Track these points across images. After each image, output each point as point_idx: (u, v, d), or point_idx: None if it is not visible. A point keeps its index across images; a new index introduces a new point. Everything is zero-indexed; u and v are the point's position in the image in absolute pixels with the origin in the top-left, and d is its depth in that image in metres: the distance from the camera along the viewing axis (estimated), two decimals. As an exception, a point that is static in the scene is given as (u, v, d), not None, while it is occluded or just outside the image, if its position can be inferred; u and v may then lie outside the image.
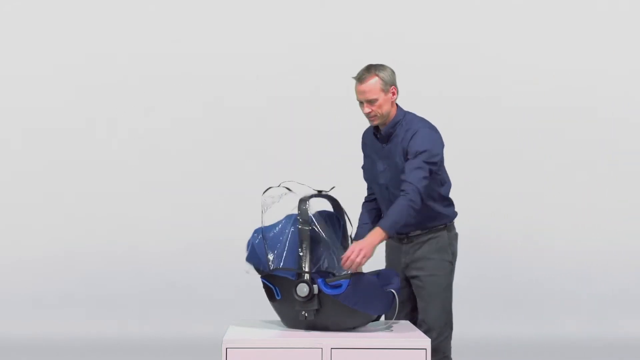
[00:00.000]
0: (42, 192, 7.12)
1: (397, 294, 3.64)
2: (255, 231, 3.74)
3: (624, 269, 7.15)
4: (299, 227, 3.58)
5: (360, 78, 3.79)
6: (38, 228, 7.09)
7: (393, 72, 3.86)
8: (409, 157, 3.73)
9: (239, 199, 7.07)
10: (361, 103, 3.83)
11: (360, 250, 3.53)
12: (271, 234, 3.68)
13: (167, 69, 7.17)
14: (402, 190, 3.66)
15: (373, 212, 4.06)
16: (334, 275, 3.68)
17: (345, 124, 7.04)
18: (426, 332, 3.83)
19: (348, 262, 3.53)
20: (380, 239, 3.61)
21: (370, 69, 3.80)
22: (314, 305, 3.53)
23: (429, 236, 3.90)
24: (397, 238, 3.96)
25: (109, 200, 7.11)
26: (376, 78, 3.78)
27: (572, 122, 7.21)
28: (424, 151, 3.71)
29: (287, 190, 3.76)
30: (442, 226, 3.92)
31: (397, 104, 3.89)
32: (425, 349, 3.43)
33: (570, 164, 7.22)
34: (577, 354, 6.55)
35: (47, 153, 7.15)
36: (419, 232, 3.89)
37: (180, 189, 7.15)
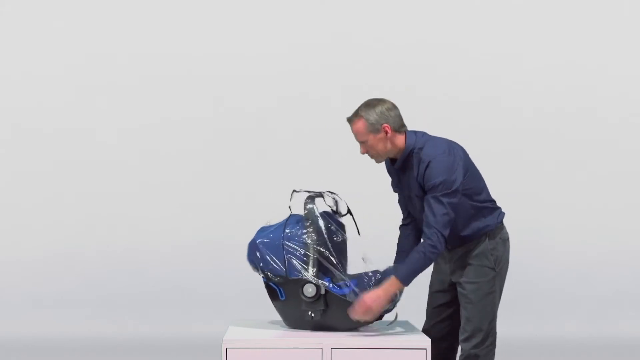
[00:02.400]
0: (42, 192, 7.12)
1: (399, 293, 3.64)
2: (262, 230, 3.71)
3: (624, 269, 7.15)
4: (307, 226, 3.57)
5: (349, 120, 3.71)
6: (38, 228, 7.09)
7: (387, 109, 3.68)
8: (427, 191, 3.62)
9: (239, 199, 7.07)
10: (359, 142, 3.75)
11: (367, 310, 3.51)
12: (284, 234, 3.65)
13: (167, 69, 7.17)
14: (424, 233, 3.58)
15: (410, 237, 3.91)
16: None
17: (345, 124, 7.04)
18: (467, 339, 3.76)
19: (354, 315, 3.51)
20: (395, 289, 3.55)
21: (358, 111, 3.68)
22: (321, 305, 3.53)
23: (470, 243, 3.79)
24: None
25: (109, 200, 7.11)
26: (361, 121, 3.65)
27: (572, 122, 7.21)
28: (440, 184, 3.58)
29: (312, 193, 3.73)
30: (483, 233, 3.79)
31: (406, 132, 3.72)
32: (425, 349, 3.43)
33: (570, 164, 7.22)
34: (577, 354, 6.55)
35: (47, 153, 7.14)
36: (460, 242, 3.78)
37: (180, 189, 7.14)
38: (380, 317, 3.69)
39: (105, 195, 7.12)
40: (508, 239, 3.88)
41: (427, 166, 3.62)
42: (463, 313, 3.78)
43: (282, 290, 3.58)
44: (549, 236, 7.16)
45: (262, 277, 3.64)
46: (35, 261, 7.06)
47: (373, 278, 3.62)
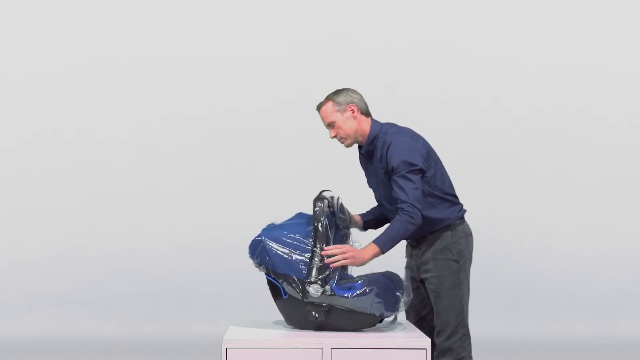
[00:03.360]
0: (42, 192, 7.12)
1: (402, 295, 3.65)
2: (270, 227, 3.71)
3: (624, 269, 7.15)
4: (315, 225, 3.58)
5: (317, 108, 3.89)
6: (38, 228, 7.09)
7: (353, 92, 3.88)
8: (391, 173, 3.75)
9: (239, 199, 7.08)
10: (327, 129, 3.91)
11: (347, 257, 3.58)
12: (292, 235, 3.65)
13: (167, 69, 7.17)
14: (399, 209, 3.68)
15: (381, 211, 4.06)
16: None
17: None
18: (439, 333, 3.84)
19: (330, 253, 3.55)
20: (373, 254, 3.64)
21: (326, 97, 3.87)
22: (325, 306, 3.53)
23: (433, 237, 3.90)
24: (408, 243, 4.01)
25: (109, 200, 7.11)
26: (329, 102, 3.84)
27: (572, 122, 7.21)
28: (402, 162, 3.71)
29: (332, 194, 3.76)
30: (444, 227, 3.90)
31: (372, 120, 3.90)
32: (425, 349, 3.43)
33: (570, 164, 7.22)
34: (577, 354, 6.55)
35: (47, 153, 7.14)
36: (423, 233, 3.88)
37: (180, 189, 7.15)
38: (380, 320, 3.69)
39: (105, 195, 7.12)
40: (471, 234, 3.98)
41: (388, 147, 3.76)
42: (434, 308, 3.90)
43: (285, 288, 3.58)
44: (549, 236, 7.17)
45: (265, 273, 3.64)
46: (35, 261, 7.06)
47: (379, 281, 3.62)
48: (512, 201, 7.13)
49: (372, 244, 3.65)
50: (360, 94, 3.90)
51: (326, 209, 3.67)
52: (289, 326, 3.70)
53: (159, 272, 7.05)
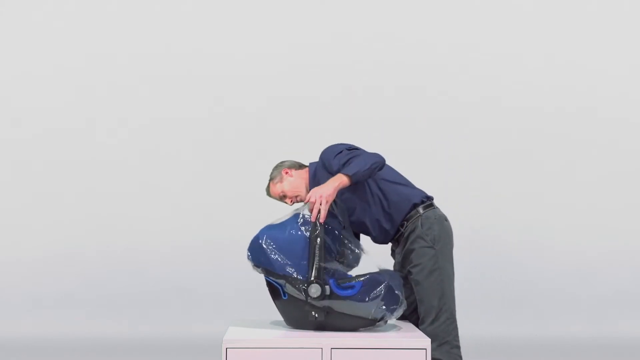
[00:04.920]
0: (42, 192, 7.12)
1: (401, 294, 3.65)
2: (267, 227, 3.71)
3: (624, 269, 7.15)
4: (312, 225, 3.57)
5: (268, 194, 4.15)
6: (38, 228, 7.09)
7: (280, 163, 4.15)
8: (335, 172, 3.82)
9: (239, 199, 7.07)
10: (286, 203, 4.11)
11: (320, 196, 3.61)
12: (284, 235, 3.64)
13: (167, 69, 7.17)
14: (353, 157, 3.81)
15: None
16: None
17: (345, 124, 7.06)
18: (422, 320, 3.87)
19: (314, 212, 3.59)
20: (339, 182, 3.69)
21: (268, 184, 4.14)
22: (325, 306, 3.53)
23: (407, 230, 3.94)
24: (392, 244, 4.07)
25: (109, 200, 7.11)
26: (269, 184, 4.12)
27: (572, 122, 7.21)
28: (337, 154, 3.86)
29: None
30: (414, 216, 3.94)
31: (303, 165, 4.10)
32: (425, 349, 3.42)
33: (570, 164, 7.22)
34: (577, 354, 6.55)
35: (47, 153, 7.14)
36: (398, 230, 3.96)
37: (180, 189, 7.15)
38: (380, 319, 3.69)
39: (105, 195, 7.12)
40: (446, 219, 4.01)
41: (322, 160, 3.95)
42: (416, 297, 3.92)
43: (285, 289, 3.58)
44: (549, 236, 7.17)
45: (264, 275, 3.64)
46: (35, 261, 7.06)
47: (378, 280, 3.62)
48: (512, 201, 7.13)
49: (339, 173, 3.72)
50: (289, 160, 4.15)
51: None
52: (289, 326, 3.70)
53: (159, 272, 7.05)
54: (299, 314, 3.58)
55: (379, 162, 3.80)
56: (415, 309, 3.99)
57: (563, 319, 7.03)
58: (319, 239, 3.56)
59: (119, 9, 7.20)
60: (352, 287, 3.55)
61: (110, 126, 7.17)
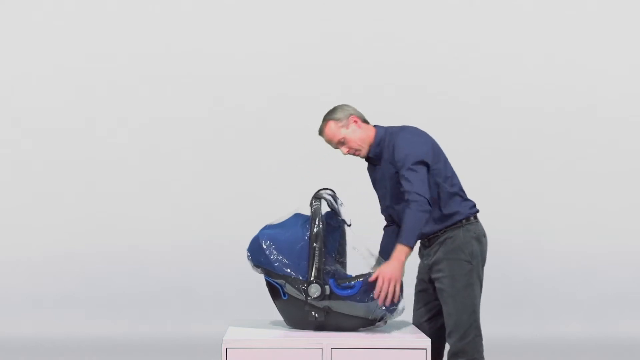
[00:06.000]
0: (42, 192, 7.12)
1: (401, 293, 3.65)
2: (266, 228, 3.70)
3: (624, 269, 7.15)
4: (312, 225, 3.57)
5: (319, 132, 3.92)
6: (38, 228, 7.09)
7: (347, 106, 3.93)
8: (399, 169, 3.75)
9: (239, 199, 7.07)
10: (338, 148, 3.92)
11: (390, 280, 3.53)
12: (285, 237, 3.64)
13: (167, 69, 7.17)
14: (406, 201, 3.66)
15: (392, 237, 3.99)
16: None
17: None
18: (450, 334, 3.81)
19: (382, 296, 3.53)
20: (405, 255, 3.60)
21: (324, 118, 3.90)
22: (325, 306, 3.53)
23: (445, 236, 3.86)
24: (421, 243, 3.98)
25: (109, 200, 7.11)
26: (330, 122, 3.88)
27: (572, 122, 7.21)
28: (408, 155, 3.73)
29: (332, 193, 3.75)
30: (456, 225, 3.87)
31: (374, 126, 3.92)
32: (425, 349, 3.42)
33: (570, 164, 7.22)
34: (577, 354, 6.55)
35: (47, 153, 7.14)
36: (436, 233, 3.86)
37: (180, 189, 7.15)
38: (380, 319, 3.69)
39: (105, 195, 7.12)
40: (484, 235, 3.96)
41: (395, 143, 3.79)
42: (444, 309, 3.85)
43: (285, 289, 3.57)
44: (549, 236, 7.16)
45: (264, 275, 3.63)
46: (35, 261, 7.06)
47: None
48: (512, 201, 7.13)
49: (398, 245, 3.61)
50: (353, 106, 3.93)
51: (330, 206, 3.67)
52: (289, 326, 3.70)
53: (159, 272, 7.05)
54: (299, 314, 3.58)
55: (424, 219, 3.68)
56: (434, 316, 3.94)
57: (563, 318, 7.02)
58: (318, 239, 3.56)
59: (119, 9, 7.20)
60: (351, 287, 3.55)
61: (110, 126, 7.17)
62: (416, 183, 3.67)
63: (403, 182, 3.70)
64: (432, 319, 3.94)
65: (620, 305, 7.08)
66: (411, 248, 3.62)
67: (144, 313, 6.98)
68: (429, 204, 3.66)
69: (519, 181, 7.14)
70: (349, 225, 3.75)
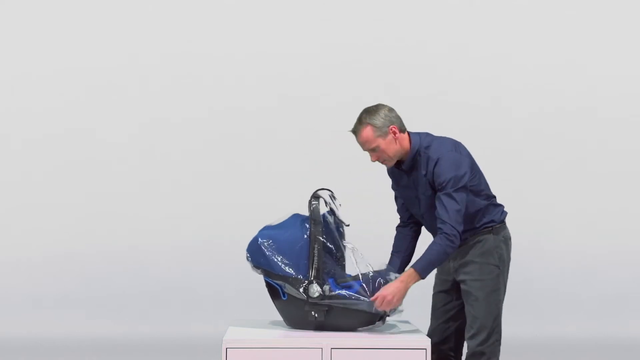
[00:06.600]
0: (42, 192, 7.12)
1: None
2: (266, 228, 3.70)
3: (624, 269, 7.15)
4: (311, 225, 3.57)
5: (354, 131, 3.72)
6: (38, 228, 7.09)
7: (389, 111, 3.73)
8: (437, 189, 3.67)
9: (239, 199, 7.07)
10: (367, 151, 3.77)
11: (389, 303, 3.54)
12: (284, 237, 3.64)
13: (167, 69, 7.17)
14: (439, 229, 3.63)
15: (407, 238, 3.97)
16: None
17: (345, 124, 7.04)
18: (473, 336, 3.78)
19: (378, 305, 3.55)
20: (413, 282, 3.59)
21: (362, 119, 3.70)
22: (325, 306, 3.53)
23: (475, 239, 3.82)
24: None
25: (109, 200, 7.11)
26: (368, 127, 3.68)
27: (572, 123, 7.21)
28: (450, 180, 3.64)
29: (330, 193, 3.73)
30: (487, 229, 3.84)
31: (409, 133, 3.78)
32: (425, 349, 3.43)
33: (570, 164, 7.22)
34: (577, 354, 6.55)
35: (48, 153, 7.14)
36: (466, 235, 3.79)
37: (180, 189, 7.14)
38: (380, 318, 3.68)
39: (105, 195, 7.12)
40: (510, 238, 3.92)
41: (435, 163, 3.67)
42: (469, 311, 3.81)
43: (285, 289, 3.57)
44: (549, 236, 7.16)
45: (264, 275, 3.63)
46: (35, 261, 7.06)
47: (376, 280, 3.61)
48: (512, 201, 7.07)
49: (412, 270, 3.59)
50: (394, 110, 3.76)
51: (327, 206, 3.67)
52: (289, 326, 3.69)
53: (159, 272, 7.04)
54: (299, 314, 3.58)
55: (449, 254, 3.66)
56: (452, 317, 3.91)
57: (563, 318, 7.02)
58: (318, 239, 3.56)
59: (119, 9, 7.19)
60: (351, 286, 3.55)
61: (110, 126, 7.17)
62: (452, 214, 3.61)
63: (439, 207, 3.64)
64: (450, 319, 3.91)
65: (620, 305, 7.07)
66: (422, 278, 3.61)
67: (144, 313, 6.98)
68: (460, 237, 3.63)
69: (518, 181, 7.14)
70: (348, 226, 3.74)
